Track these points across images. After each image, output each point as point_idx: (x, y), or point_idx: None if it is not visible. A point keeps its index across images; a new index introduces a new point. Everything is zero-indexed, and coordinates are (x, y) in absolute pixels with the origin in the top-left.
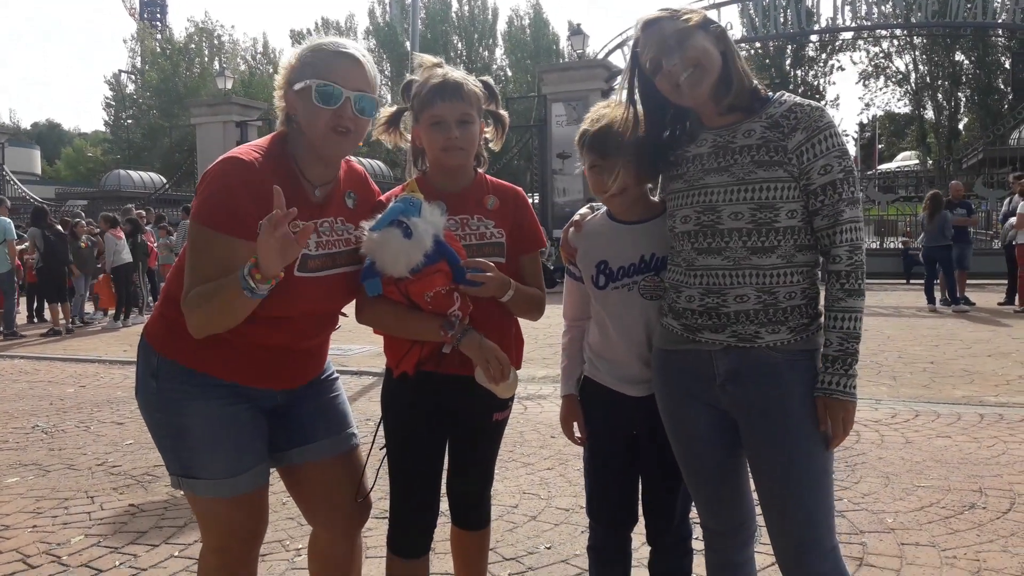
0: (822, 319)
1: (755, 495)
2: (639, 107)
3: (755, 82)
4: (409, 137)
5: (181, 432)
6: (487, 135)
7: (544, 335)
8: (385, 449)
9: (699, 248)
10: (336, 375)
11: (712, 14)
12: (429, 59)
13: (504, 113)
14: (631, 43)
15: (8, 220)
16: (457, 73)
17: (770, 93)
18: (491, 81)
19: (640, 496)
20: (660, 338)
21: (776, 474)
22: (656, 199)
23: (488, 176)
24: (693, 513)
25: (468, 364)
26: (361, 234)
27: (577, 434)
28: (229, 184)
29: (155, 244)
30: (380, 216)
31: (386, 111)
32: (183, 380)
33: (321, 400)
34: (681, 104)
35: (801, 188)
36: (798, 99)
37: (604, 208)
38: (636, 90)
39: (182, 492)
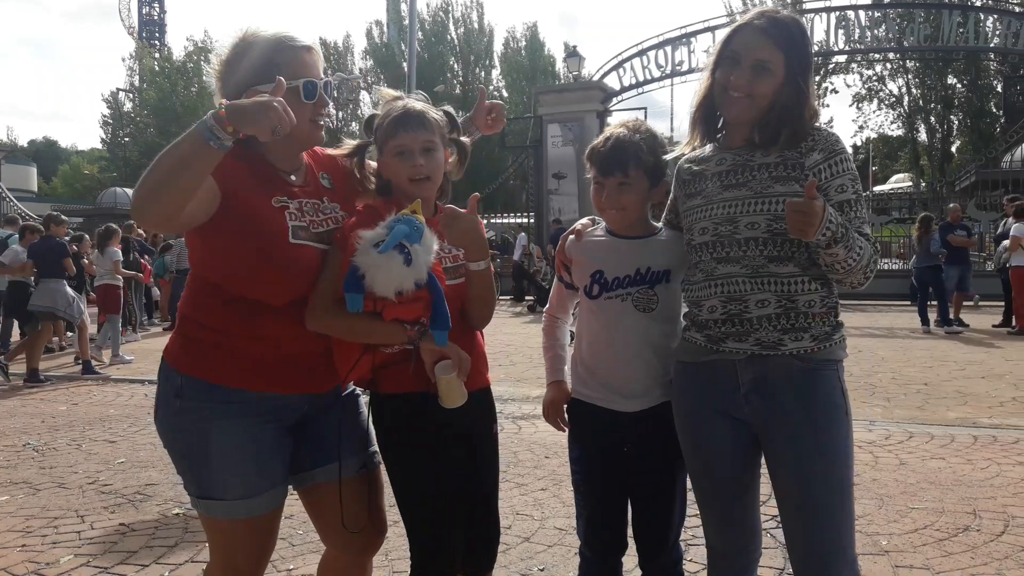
0: (844, 331)
1: (762, 516)
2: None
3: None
4: (375, 168)
5: (202, 452)
6: (449, 166)
7: (538, 354)
8: (392, 484)
9: (718, 257)
10: (359, 392)
11: (707, 36)
12: (389, 92)
13: (466, 141)
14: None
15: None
16: (418, 104)
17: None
18: (452, 110)
19: (631, 519)
20: (681, 351)
21: (802, 483)
22: (659, 224)
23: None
24: (683, 536)
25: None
26: (356, 243)
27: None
28: None
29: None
30: (382, 232)
31: (348, 143)
32: (206, 397)
33: (344, 417)
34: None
35: None
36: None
37: (604, 223)
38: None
39: (196, 512)
